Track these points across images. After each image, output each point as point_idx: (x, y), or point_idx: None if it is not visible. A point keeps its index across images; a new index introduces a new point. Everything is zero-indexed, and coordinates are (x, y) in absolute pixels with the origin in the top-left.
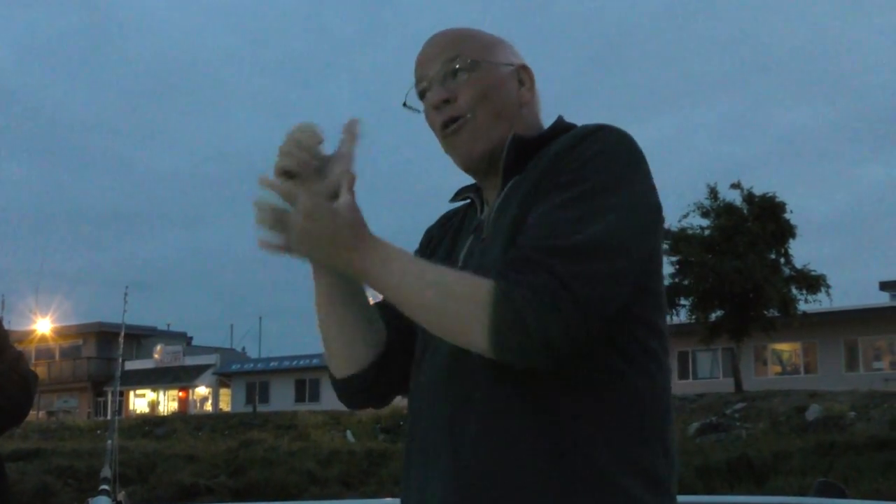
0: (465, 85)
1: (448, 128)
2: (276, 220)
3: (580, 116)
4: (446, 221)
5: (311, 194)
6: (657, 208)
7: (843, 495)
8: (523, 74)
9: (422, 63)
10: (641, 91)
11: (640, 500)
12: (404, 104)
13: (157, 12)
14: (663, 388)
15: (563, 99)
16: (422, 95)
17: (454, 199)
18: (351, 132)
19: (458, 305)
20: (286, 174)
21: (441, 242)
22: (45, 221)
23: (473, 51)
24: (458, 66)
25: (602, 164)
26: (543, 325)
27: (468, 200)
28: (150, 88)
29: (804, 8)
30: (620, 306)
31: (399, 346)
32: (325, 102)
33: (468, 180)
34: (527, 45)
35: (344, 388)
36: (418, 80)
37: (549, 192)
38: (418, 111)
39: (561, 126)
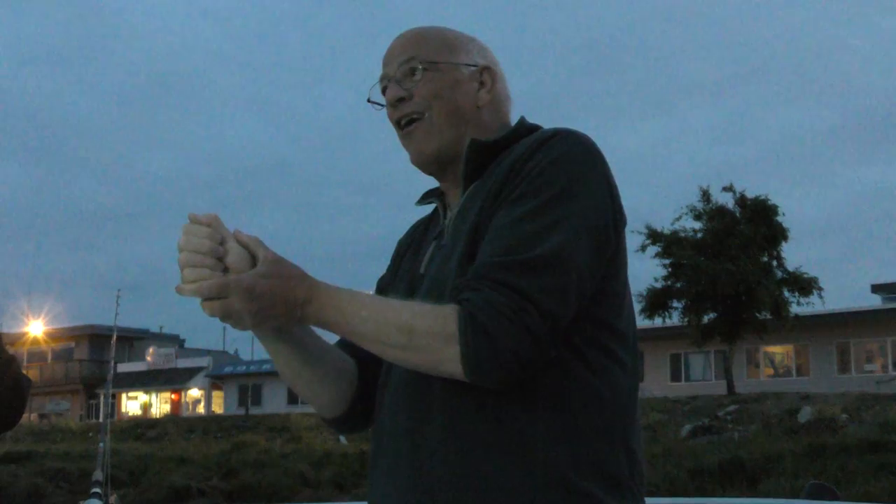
0: (421, 84)
1: (402, 125)
2: (225, 312)
3: (573, 119)
4: (415, 230)
5: (237, 277)
6: (615, 211)
7: (834, 497)
8: (485, 76)
9: (385, 62)
10: (634, 94)
11: (600, 502)
12: (368, 100)
13: (151, 14)
14: (625, 388)
15: (556, 101)
16: (384, 92)
17: (420, 203)
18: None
19: (426, 341)
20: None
21: (408, 251)
22: (38, 223)
23: (432, 51)
24: (414, 66)
25: (556, 173)
26: (513, 343)
27: (434, 205)
28: (144, 90)
29: (797, 11)
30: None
31: (374, 367)
32: (319, 105)
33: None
34: (520, 47)
35: (335, 426)
36: (381, 78)
37: (506, 204)
38: (381, 106)
39: (523, 128)
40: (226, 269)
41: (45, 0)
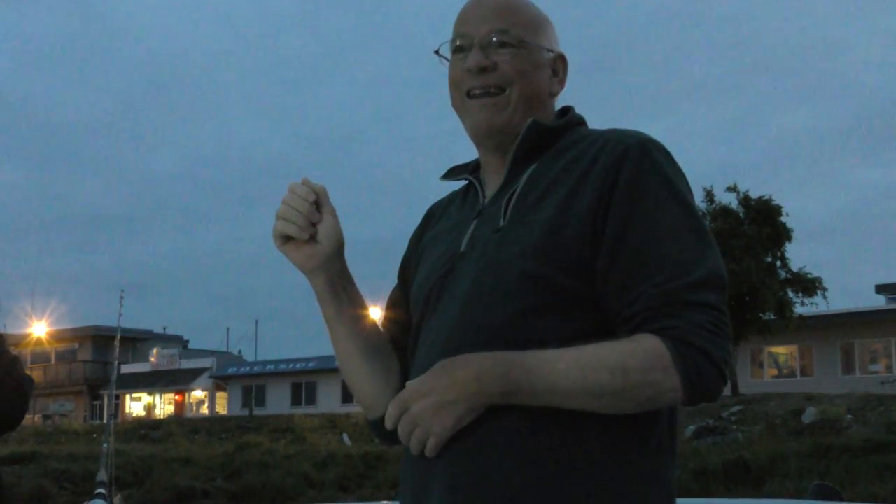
0: (507, 60)
1: (473, 95)
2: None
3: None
4: (430, 217)
5: (412, 390)
6: None
7: (839, 498)
8: (559, 64)
9: (469, 20)
10: (638, 93)
11: None
12: (436, 52)
13: (151, 14)
14: None
15: (560, 100)
16: (456, 50)
17: (445, 178)
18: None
19: (645, 377)
20: (285, 238)
21: (435, 238)
22: (41, 224)
23: (522, 27)
24: (505, 40)
25: (673, 187)
26: (726, 355)
27: (463, 183)
28: (145, 90)
29: (801, 11)
30: None
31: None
32: (321, 105)
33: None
34: None
35: (375, 431)
36: (458, 35)
37: (636, 222)
38: (447, 60)
39: (575, 119)
40: (313, 237)
41: (46, 0)
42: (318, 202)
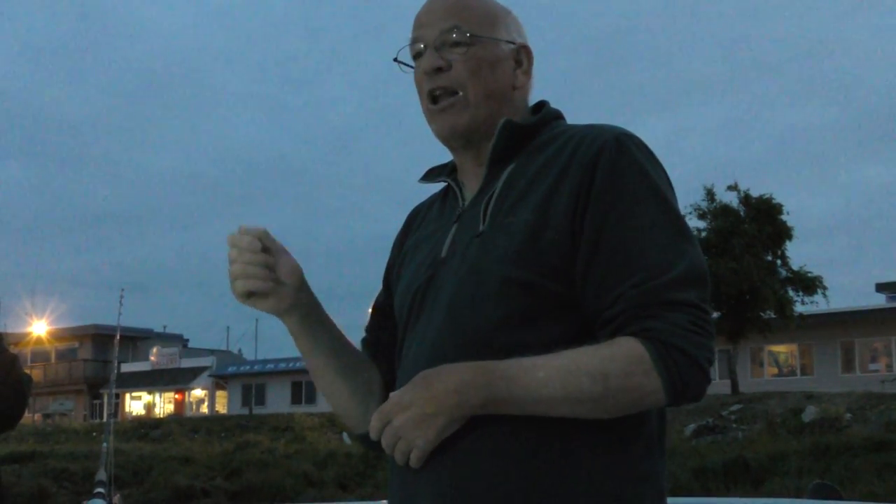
0: (461, 58)
1: (435, 97)
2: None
3: (577, 118)
4: (412, 220)
5: (394, 403)
6: None
7: (838, 497)
8: (523, 55)
9: (421, 24)
10: (638, 92)
11: None
12: (395, 59)
13: (150, 13)
14: None
15: (559, 99)
16: (416, 55)
17: (424, 181)
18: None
19: (626, 382)
20: (248, 293)
21: (416, 243)
22: (41, 223)
23: (475, 23)
24: (458, 38)
25: (651, 183)
26: (709, 353)
27: (441, 185)
28: (144, 89)
29: (801, 9)
30: None
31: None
32: (320, 103)
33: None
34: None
35: (364, 444)
36: (414, 40)
37: (615, 222)
38: (409, 68)
39: (550, 115)
40: (276, 280)
41: (46, 0)
42: (264, 246)
